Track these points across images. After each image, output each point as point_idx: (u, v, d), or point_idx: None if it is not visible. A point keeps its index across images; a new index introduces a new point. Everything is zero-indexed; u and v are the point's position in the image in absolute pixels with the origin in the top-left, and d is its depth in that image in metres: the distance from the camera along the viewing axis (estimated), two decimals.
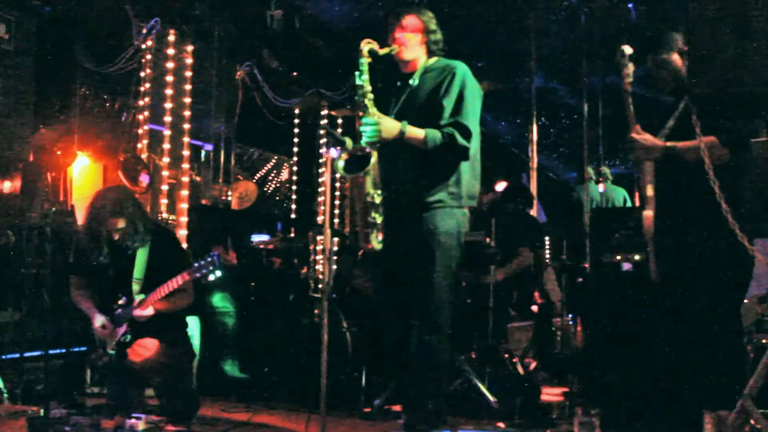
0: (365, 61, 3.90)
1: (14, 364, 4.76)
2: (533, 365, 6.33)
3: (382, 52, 3.97)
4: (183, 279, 4.29)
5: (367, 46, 3.90)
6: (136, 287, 4.50)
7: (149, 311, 4.38)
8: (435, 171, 3.99)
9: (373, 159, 3.82)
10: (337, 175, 8.84)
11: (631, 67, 3.76)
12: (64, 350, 5.20)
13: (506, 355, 5.72)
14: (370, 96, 3.89)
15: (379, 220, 3.86)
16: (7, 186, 5.77)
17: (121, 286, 4.53)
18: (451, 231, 3.98)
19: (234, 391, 5.72)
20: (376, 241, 3.87)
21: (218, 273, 4.19)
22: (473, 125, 3.96)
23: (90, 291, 4.68)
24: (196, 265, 4.24)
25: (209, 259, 4.21)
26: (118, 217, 4.45)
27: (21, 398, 4.46)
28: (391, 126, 3.87)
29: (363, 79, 3.89)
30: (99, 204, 4.49)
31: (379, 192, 3.87)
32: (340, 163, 3.86)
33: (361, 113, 3.89)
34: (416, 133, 3.88)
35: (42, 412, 3.77)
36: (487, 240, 5.43)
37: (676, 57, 3.83)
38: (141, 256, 4.55)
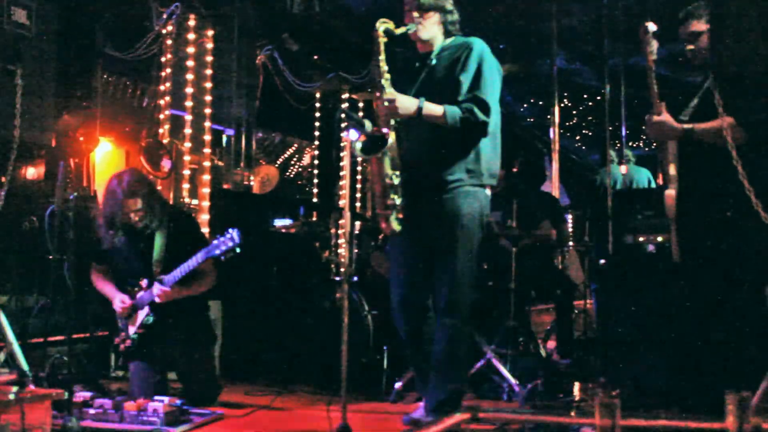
0: (381, 41, 3.87)
1: (39, 348, 4.81)
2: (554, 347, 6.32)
3: (399, 31, 3.94)
4: (202, 257, 4.32)
5: (382, 26, 3.87)
6: (156, 270, 4.54)
7: (170, 293, 4.41)
8: (453, 149, 3.96)
9: (391, 140, 3.80)
10: (359, 159, 8.85)
11: (655, 44, 3.71)
12: (88, 334, 5.25)
13: (528, 338, 5.71)
14: (387, 76, 3.87)
15: (398, 201, 3.83)
16: (31, 172, 5.81)
17: (142, 269, 4.56)
18: (474, 213, 3.96)
19: (257, 374, 5.75)
20: (396, 223, 3.85)
21: (237, 250, 4.21)
22: (492, 100, 3.93)
23: (110, 275, 4.73)
24: (214, 242, 4.26)
25: (227, 236, 4.23)
26: (133, 198, 4.48)
27: (46, 382, 4.50)
28: (408, 104, 3.84)
29: (379, 59, 3.87)
30: (114, 187, 4.52)
31: (398, 173, 3.84)
32: (358, 145, 3.84)
33: (377, 93, 3.87)
34: (434, 109, 3.85)
35: (66, 395, 3.79)
36: (508, 222, 5.41)
37: (707, 29, 3.77)
38: (159, 240, 4.59)
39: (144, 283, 4.55)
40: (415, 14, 4.03)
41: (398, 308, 4.14)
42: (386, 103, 3.82)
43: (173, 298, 4.49)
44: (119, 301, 4.58)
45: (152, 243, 4.60)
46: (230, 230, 4.24)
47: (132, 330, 4.58)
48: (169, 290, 4.44)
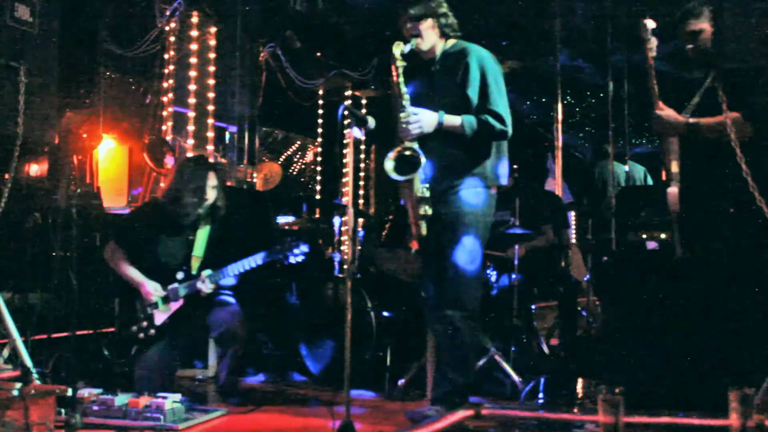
0: (400, 65, 3.99)
1: (43, 345, 4.81)
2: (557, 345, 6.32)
3: (407, 50, 4.04)
4: (262, 261, 4.45)
5: (398, 49, 3.99)
6: (195, 264, 4.62)
7: (213, 287, 4.54)
8: (460, 154, 4.06)
9: (424, 159, 3.88)
10: (362, 156, 8.83)
11: (654, 42, 3.72)
12: (92, 331, 5.26)
13: (531, 335, 5.72)
14: (407, 97, 3.98)
15: (429, 211, 3.95)
16: (34, 169, 5.80)
17: (181, 260, 4.65)
18: (476, 211, 4.06)
19: (260, 371, 5.76)
20: (425, 230, 3.98)
21: (299, 259, 4.32)
22: (503, 109, 4.03)
23: (129, 259, 4.75)
24: (278, 246, 4.41)
25: (296, 248, 4.37)
26: (214, 172, 4.67)
27: (50, 378, 4.51)
28: (430, 119, 3.97)
29: (399, 83, 3.98)
30: (193, 162, 4.76)
31: (427, 186, 3.96)
32: (390, 165, 3.92)
33: (401, 115, 3.96)
34: (453, 121, 3.98)
35: (70, 391, 3.80)
36: (512, 220, 5.42)
37: (707, 28, 3.77)
38: (202, 234, 4.69)
39: (180, 275, 4.60)
40: (410, 26, 4.13)
41: (427, 310, 4.27)
42: (413, 122, 3.92)
43: None
44: (152, 290, 4.60)
45: (194, 237, 4.70)
46: (301, 245, 4.40)
47: (160, 320, 4.60)
48: (216, 286, 4.56)
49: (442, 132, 4.00)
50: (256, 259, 4.45)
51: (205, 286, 4.51)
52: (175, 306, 4.60)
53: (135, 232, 4.75)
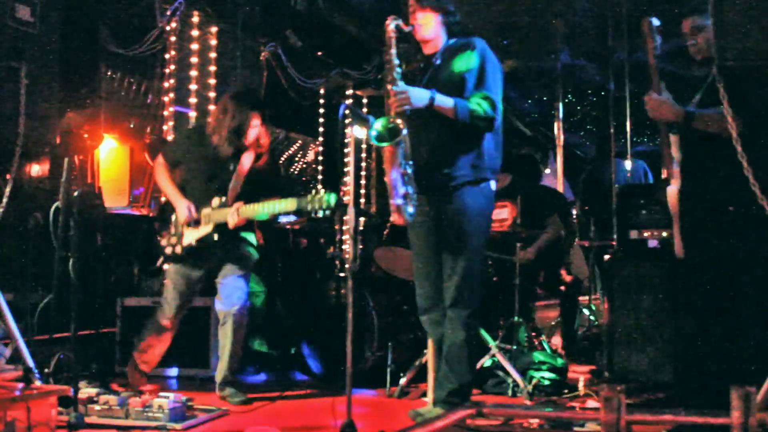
0: (392, 36, 3.98)
1: (44, 345, 4.82)
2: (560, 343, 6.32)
3: (407, 29, 4.06)
4: (291, 208, 4.53)
5: (393, 22, 3.99)
6: (232, 195, 4.76)
7: (243, 220, 4.65)
8: (458, 146, 4.05)
9: (405, 131, 3.84)
10: (363, 155, 8.82)
11: (658, 39, 3.71)
12: (93, 331, 5.26)
13: (533, 333, 5.71)
14: (398, 70, 3.95)
15: (411, 191, 3.90)
16: (35, 169, 5.81)
17: (217, 189, 4.76)
18: (481, 209, 4.07)
19: (261, 370, 5.76)
20: (407, 214, 3.90)
21: (327, 212, 4.42)
22: (497, 97, 4.02)
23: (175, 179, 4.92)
24: (308, 198, 4.45)
25: (323, 198, 4.40)
26: (255, 111, 4.77)
27: (51, 378, 4.51)
28: (420, 94, 3.92)
29: (391, 53, 3.96)
30: (245, 98, 4.84)
31: (411, 163, 3.91)
32: (372, 133, 3.89)
33: (390, 86, 3.93)
34: (445, 101, 3.93)
35: (71, 391, 3.80)
36: (513, 216, 5.42)
37: (710, 26, 3.76)
38: (243, 168, 4.81)
39: (215, 202, 4.72)
40: (419, 14, 4.14)
41: (422, 311, 4.27)
42: (399, 95, 3.88)
43: None
44: (186, 209, 4.73)
45: (235, 168, 4.79)
46: (329, 195, 4.40)
47: (187, 240, 4.76)
48: (244, 221, 4.66)
49: (438, 119, 3.96)
50: (288, 204, 4.52)
51: (232, 218, 4.61)
52: (204, 231, 4.73)
53: (181, 153, 4.93)
